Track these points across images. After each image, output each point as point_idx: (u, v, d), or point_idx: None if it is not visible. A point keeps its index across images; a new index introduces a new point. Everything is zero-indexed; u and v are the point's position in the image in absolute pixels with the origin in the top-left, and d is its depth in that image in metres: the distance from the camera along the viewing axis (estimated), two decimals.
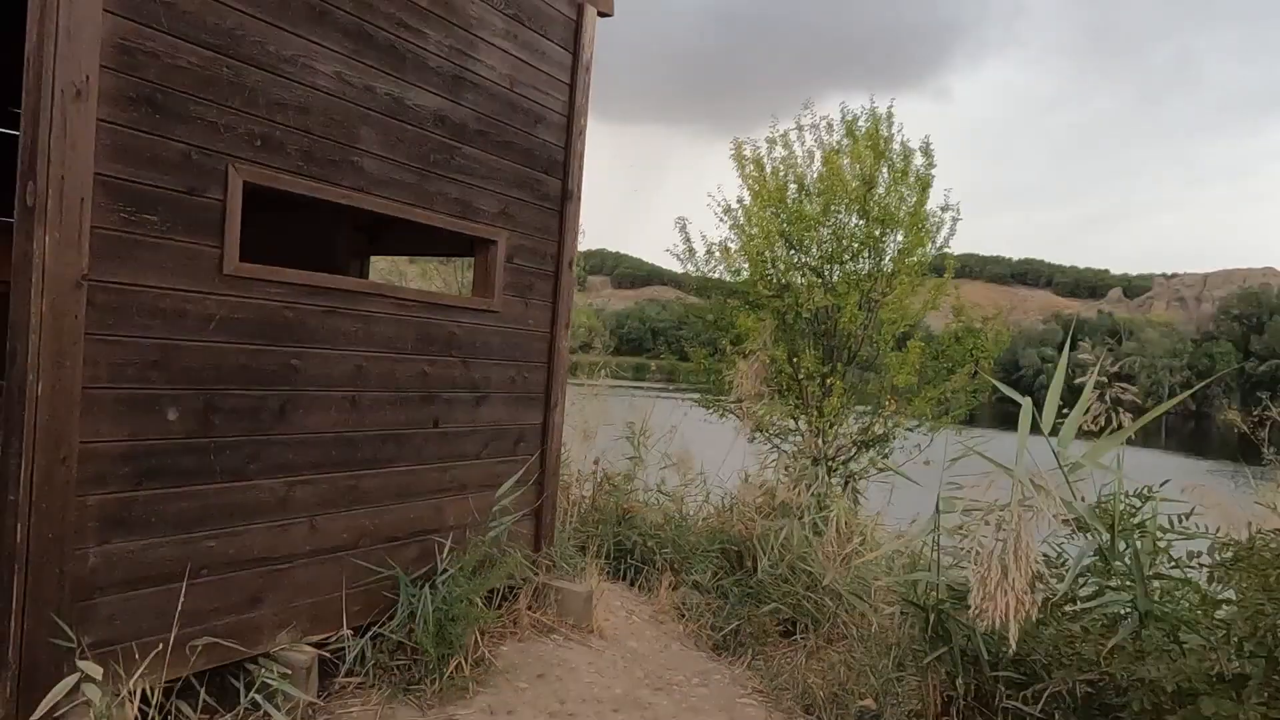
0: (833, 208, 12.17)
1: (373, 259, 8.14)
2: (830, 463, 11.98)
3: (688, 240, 13.38)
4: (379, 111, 4.34)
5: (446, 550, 4.77)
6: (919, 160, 12.34)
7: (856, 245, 12.06)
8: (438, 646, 4.32)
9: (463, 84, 4.83)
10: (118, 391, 3.36)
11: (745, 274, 12.93)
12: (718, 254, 13.15)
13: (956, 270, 12.86)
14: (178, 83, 3.48)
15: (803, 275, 12.13)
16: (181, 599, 3.59)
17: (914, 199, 12.11)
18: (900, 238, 12.14)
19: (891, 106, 12.73)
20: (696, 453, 10.77)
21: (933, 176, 12.35)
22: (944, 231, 12.54)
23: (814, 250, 12.42)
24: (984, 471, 5.39)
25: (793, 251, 12.40)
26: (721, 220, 13.21)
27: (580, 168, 5.76)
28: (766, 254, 12.53)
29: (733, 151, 12.79)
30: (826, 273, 12.26)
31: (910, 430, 12.24)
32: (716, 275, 13.33)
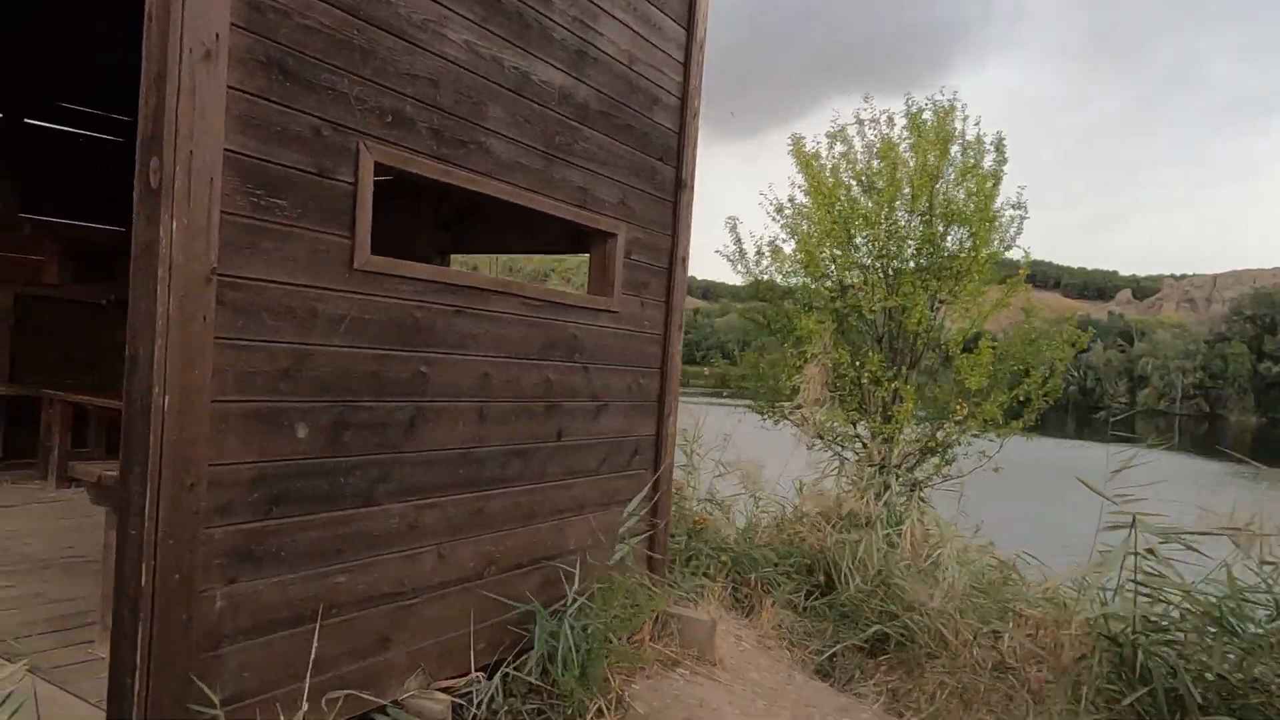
0: (895, 203, 11.68)
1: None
2: (895, 470, 11.47)
3: (739, 241, 12.90)
4: (507, 87, 3.86)
5: (576, 578, 4.28)
6: (990, 158, 11.85)
7: (919, 243, 11.57)
8: (581, 689, 3.83)
9: (585, 59, 4.35)
10: (246, 405, 2.87)
11: (801, 277, 12.46)
12: (768, 254, 12.68)
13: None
14: (309, 46, 3.00)
15: (866, 275, 11.63)
16: (315, 644, 3.10)
17: (983, 195, 11.61)
18: (966, 235, 11.66)
19: (956, 97, 12.24)
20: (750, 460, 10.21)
21: (1004, 172, 11.86)
22: (1011, 230, 12.06)
23: (873, 248, 11.93)
24: (1149, 483, 4.90)
25: (851, 250, 11.91)
26: (773, 219, 12.74)
27: (694, 155, 5.28)
28: (824, 253, 12.04)
29: (791, 148, 12.30)
30: (888, 272, 11.77)
31: (975, 436, 11.74)
32: (767, 277, 12.86)
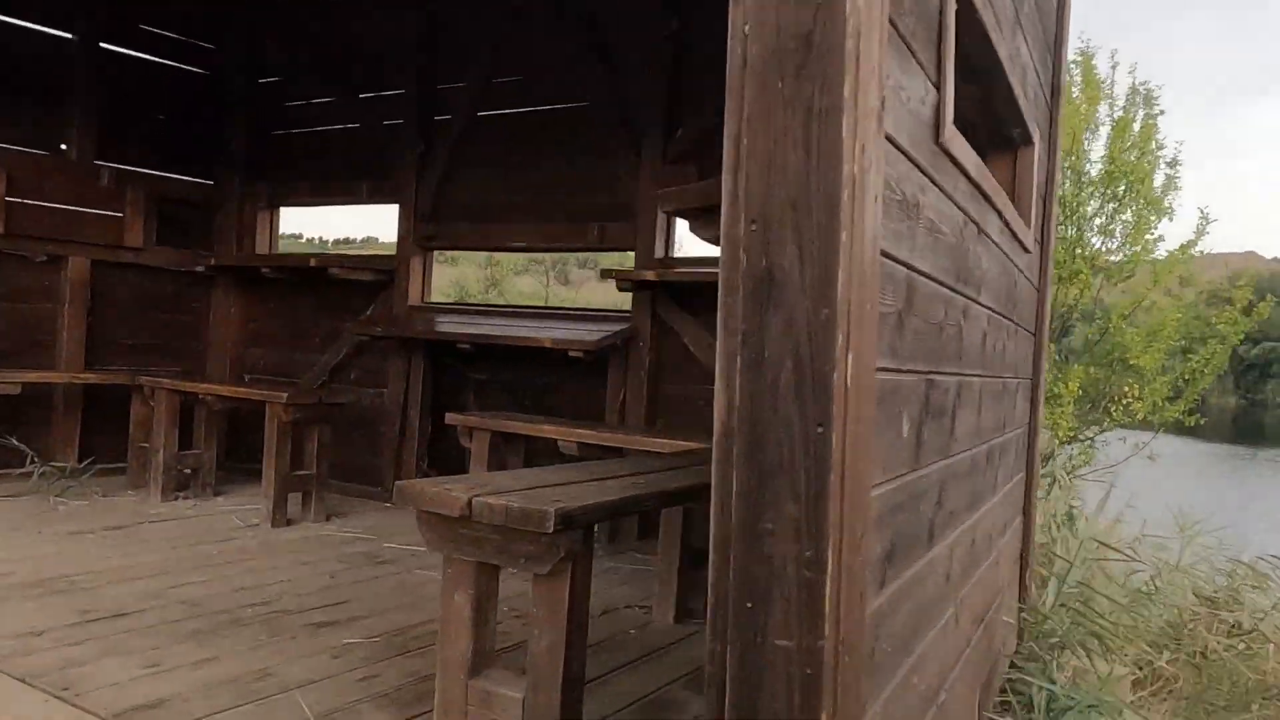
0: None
1: None
2: (1054, 458, 10.24)
3: None
4: None
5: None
6: (1141, 111, 10.65)
7: (1075, 204, 10.34)
8: None
9: None
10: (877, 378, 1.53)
11: None
12: None
13: None
14: None
15: None
16: None
17: (1139, 152, 10.41)
18: (1126, 197, 10.47)
19: (1092, 43, 11.02)
20: None
21: (1157, 126, 10.67)
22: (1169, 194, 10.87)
23: None
24: None
25: None
26: None
27: (1067, 49, 3.98)
28: None
29: None
30: None
31: (1129, 425, 10.59)
32: None
